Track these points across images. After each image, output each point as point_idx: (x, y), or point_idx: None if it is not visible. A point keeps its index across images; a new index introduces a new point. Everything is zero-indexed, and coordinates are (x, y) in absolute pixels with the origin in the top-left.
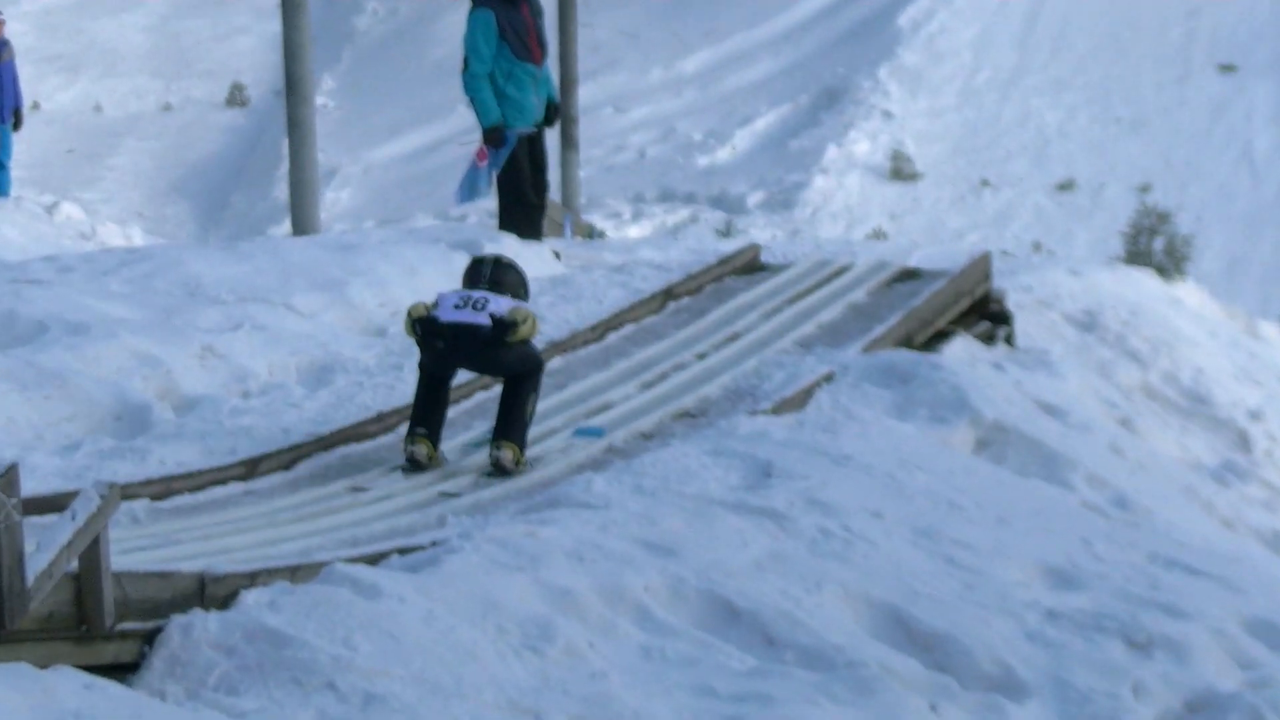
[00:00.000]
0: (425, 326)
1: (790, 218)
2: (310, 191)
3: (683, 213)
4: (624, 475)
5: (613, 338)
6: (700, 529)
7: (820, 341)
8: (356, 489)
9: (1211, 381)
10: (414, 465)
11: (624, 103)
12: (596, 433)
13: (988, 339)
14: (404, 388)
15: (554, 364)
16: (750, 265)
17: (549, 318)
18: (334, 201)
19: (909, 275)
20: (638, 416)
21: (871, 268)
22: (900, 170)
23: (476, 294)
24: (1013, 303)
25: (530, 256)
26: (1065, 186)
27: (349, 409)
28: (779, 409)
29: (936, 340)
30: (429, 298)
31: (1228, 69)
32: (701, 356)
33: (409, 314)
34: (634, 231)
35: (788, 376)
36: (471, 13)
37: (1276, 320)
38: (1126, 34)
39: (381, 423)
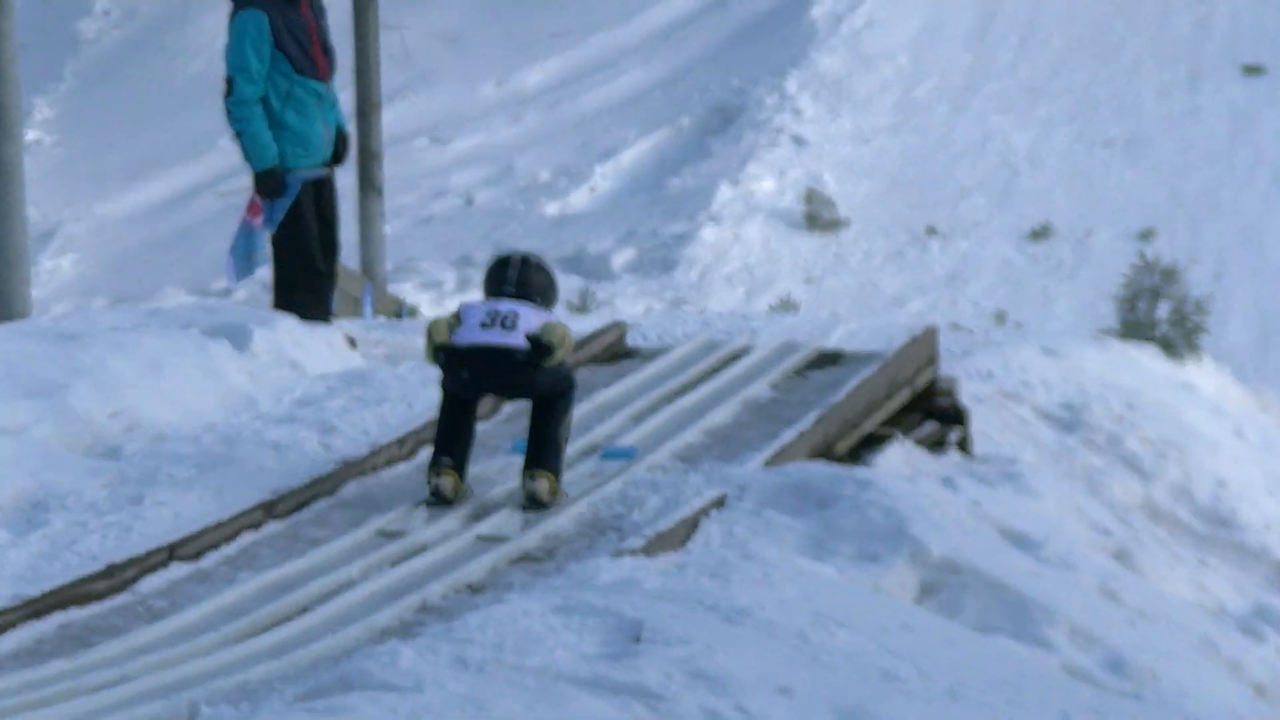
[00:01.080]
0: (449, 355)
1: (669, 283)
2: (18, 259)
3: None
4: (442, 643)
5: (427, 454)
6: (545, 714)
7: (708, 453)
8: (385, 533)
9: (1237, 497)
10: (439, 499)
11: (444, 131)
12: (628, 454)
13: (935, 444)
14: (143, 527)
15: (348, 490)
16: (614, 350)
17: (340, 426)
18: (51, 273)
19: (828, 360)
20: (462, 562)
21: (778, 351)
22: (818, 216)
23: (504, 307)
24: (968, 395)
25: (316, 344)
26: (1039, 234)
27: (68, 560)
28: (652, 547)
29: (866, 448)
30: (194, 397)
31: (1253, 71)
32: None
33: (431, 336)
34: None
35: (664, 503)
36: (236, 14)
37: None
38: (1118, 25)
39: (113, 578)
